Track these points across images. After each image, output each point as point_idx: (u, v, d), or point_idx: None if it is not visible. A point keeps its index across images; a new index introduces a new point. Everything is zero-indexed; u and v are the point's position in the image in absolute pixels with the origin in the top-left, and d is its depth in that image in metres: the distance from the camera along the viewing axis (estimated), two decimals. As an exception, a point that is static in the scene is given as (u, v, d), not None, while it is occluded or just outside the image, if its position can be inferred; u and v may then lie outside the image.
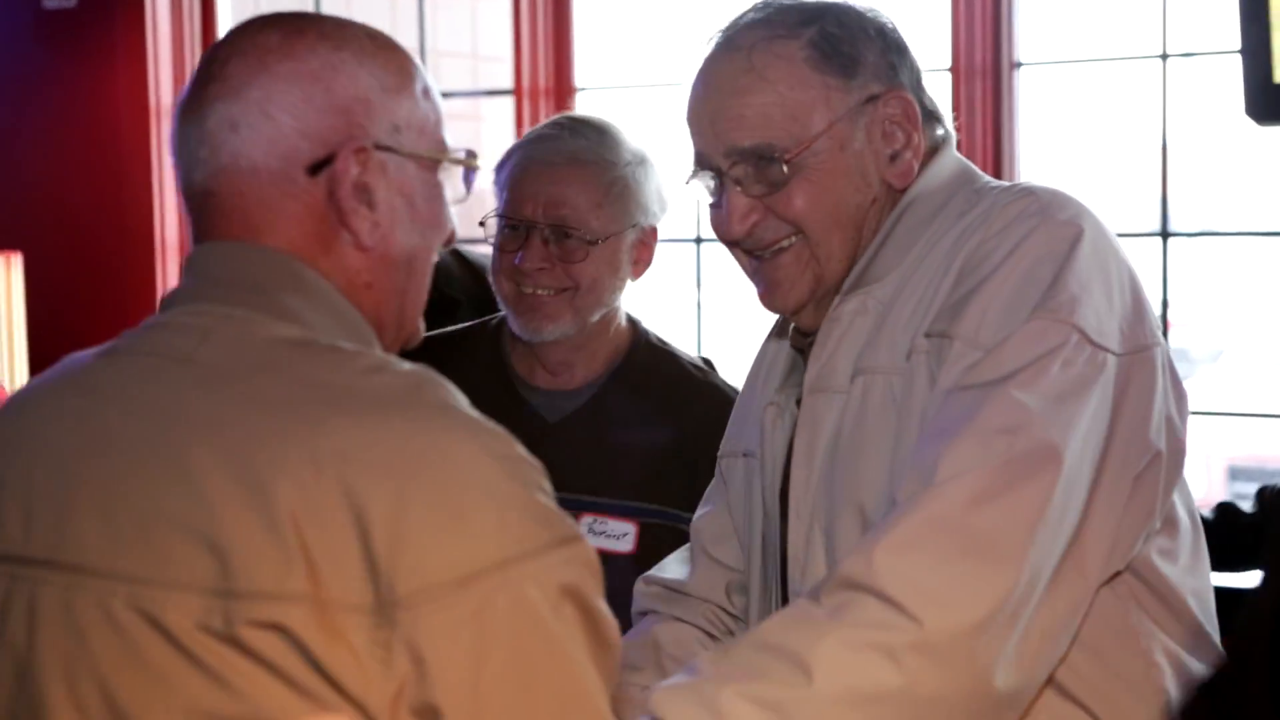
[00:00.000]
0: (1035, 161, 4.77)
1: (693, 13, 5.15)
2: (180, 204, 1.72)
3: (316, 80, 1.56)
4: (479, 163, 1.66)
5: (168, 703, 1.41)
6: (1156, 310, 4.82)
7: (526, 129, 5.32)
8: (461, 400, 1.49)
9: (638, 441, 2.62)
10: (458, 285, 3.51)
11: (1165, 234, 4.67)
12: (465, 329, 2.79)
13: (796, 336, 2.10)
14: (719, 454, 2.27)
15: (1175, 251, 4.65)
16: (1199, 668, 1.89)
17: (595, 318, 2.62)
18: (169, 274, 5.64)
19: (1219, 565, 2.13)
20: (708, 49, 2.02)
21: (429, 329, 2.77)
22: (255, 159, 1.56)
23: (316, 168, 1.56)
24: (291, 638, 1.37)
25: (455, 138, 2.76)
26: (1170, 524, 1.93)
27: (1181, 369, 2.00)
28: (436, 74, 5.98)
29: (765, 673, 1.68)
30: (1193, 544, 1.97)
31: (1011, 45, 4.60)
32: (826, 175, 1.96)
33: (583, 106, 5.40)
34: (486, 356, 2.73)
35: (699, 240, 5.18)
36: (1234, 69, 3.49)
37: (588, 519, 2.58)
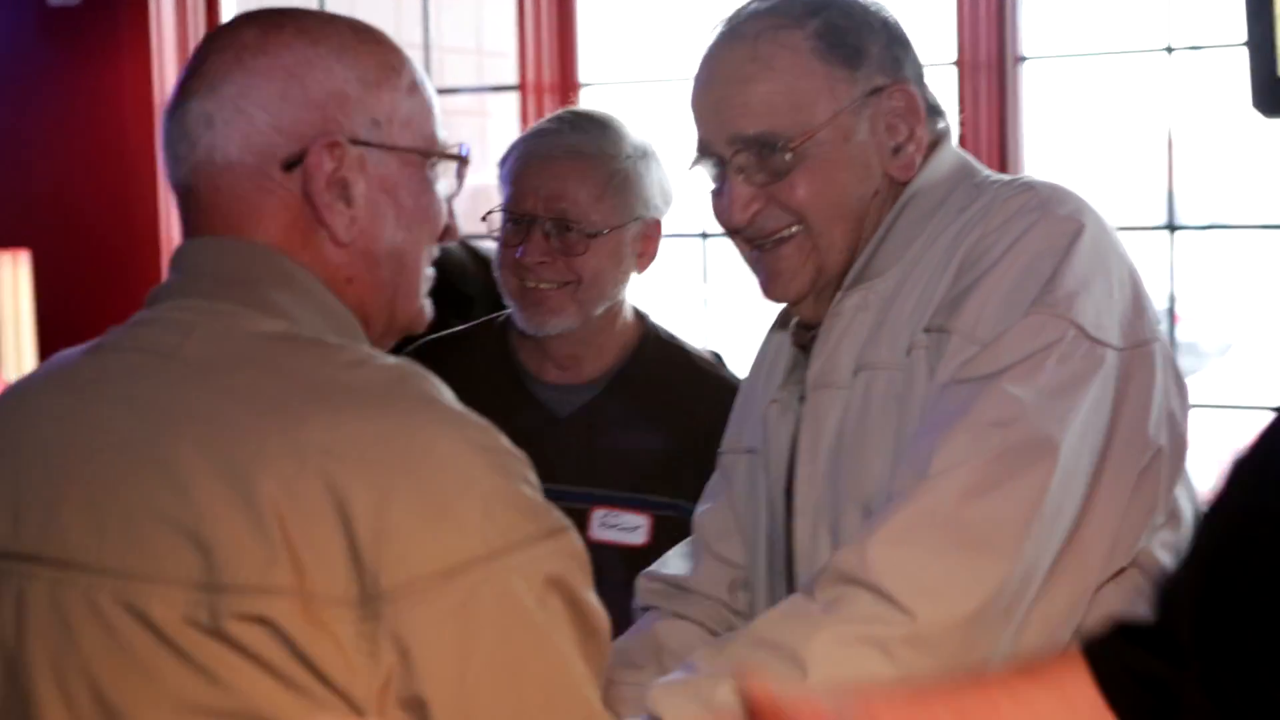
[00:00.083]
0: (1040, 156, 4.77)
1: (697, 7, 5.15)
2: (183, 201, 1.72)
3: (291, 75, 1.56)
4: (469, 157, 1.66)
5: (155, 696, 1.41)
6: (1163, 304, 4.83)
7: (531, 125, 5.33)
8: (445, 394, 1.49)
9: (648, 434, 2.62)
10: (472, 281, 3.52)
11: (1172, 227, 4.66)
12: (471, 328, 2.80)
13: (799, 332, 2.10)
14: (720, 450, 2.26)
15: (1182, 245, 4.65)
16: None
17: (599, 311, 2.62)
18: (175, 271, 5.65)
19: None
20: (712, 37, 2.03)
21: (442, 326, 2.80)
22: (230, 155, 1.57)
23: (291, 163, 1.56)
24: (277, 631, 1.38)
25: (459, 133, 2.76)
26: (1174, 518, 1.93)
27: (1190, 362, 2.01)
28: (441, 70, 5.93)
29: (761, 668, 1.68)
30: (1196, 538, 1.97)
31: (1016, 39, 4.60)
32: (829, 166, 1.97)
33: (587, 102, 5.40)
34: (494, 353, 2.73)
35: (705, 235, 5.18)
36: (1240, 62, 3.49)
37: (600, 513, 2.59)
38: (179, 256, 1.62)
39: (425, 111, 1.63)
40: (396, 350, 1.73)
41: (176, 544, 1.41)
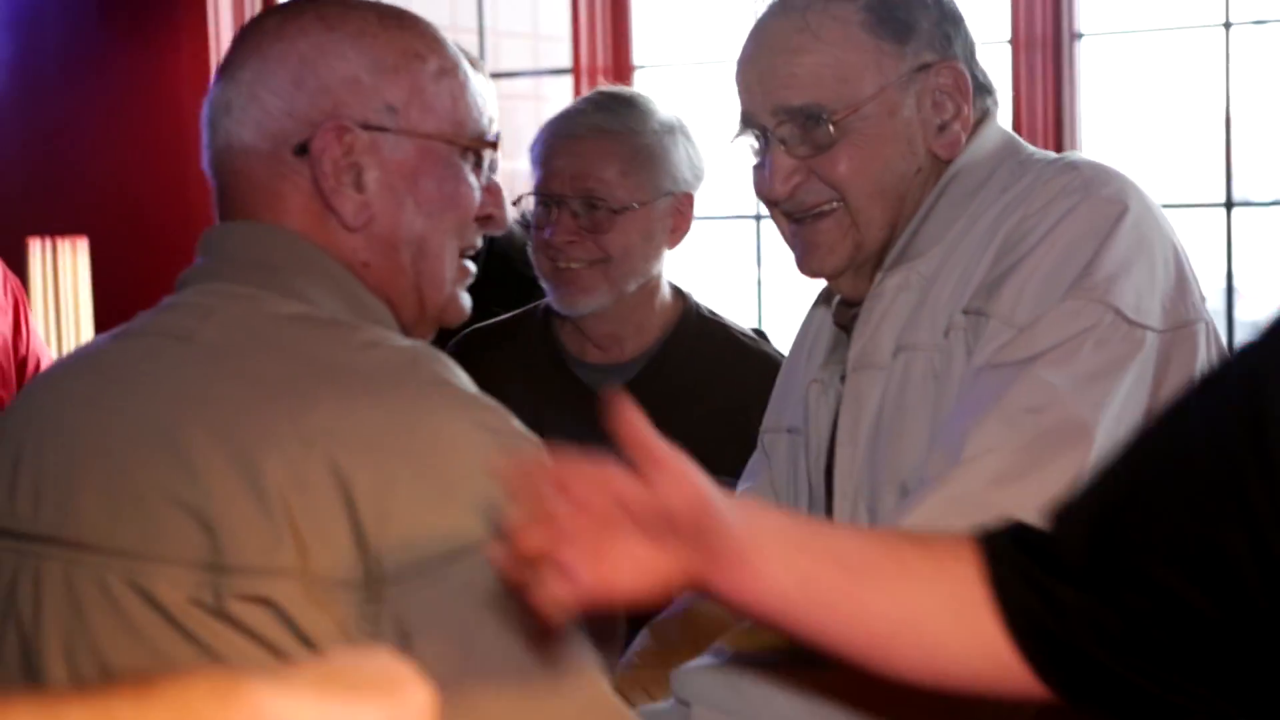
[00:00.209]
0: (1097, 133, 4.73)
1: (751, -11, 5.12)
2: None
3: (304, 61, 1.57)
4: (497, 144, 1.66)
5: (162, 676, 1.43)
6: (1221, 282, 4.78)
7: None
8: (459, 376, 1.49)
9: (692, 412, 2.62)
10: (530, 266, 3.52)
11: (1230, 204, 4.63)
12: (514, 316, 2.81)
13: (840, 311, 2.09)
14: (761, 429, 2.26)
15: (1241, 222, 4.61)
16: None
17: (631, 288, 2.62)
18: (233, 257, 5.68)
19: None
20: (762, 8, 2.02)
21: (508, 309, 2.80)
22: (246, 140, 1.59)
23: (302, 148, 1.57)
24: (279, 612, 1.38)
25: (514, 117, 2.77)
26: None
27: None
28: (497, 54, 5.93)
29: (790, 656, 1.68)
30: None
31: (1072, 16, 4.57)
32: (873, 141, 1.95)
33: (641, 85, 5.40)
34: (536, 339, 2.74)
35: (759, 217, 5.17)
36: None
37: None
38: (205, 241, 1.63)
39: (455, 98, 1.62)
40: (441, 341, 1.73)
41: (184, 526, 1.42)
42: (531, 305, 2.81)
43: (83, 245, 5.44)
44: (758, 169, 2.02)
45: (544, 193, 2.64)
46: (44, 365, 3.39)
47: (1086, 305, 1.79)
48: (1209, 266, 4.62)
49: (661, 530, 1.30)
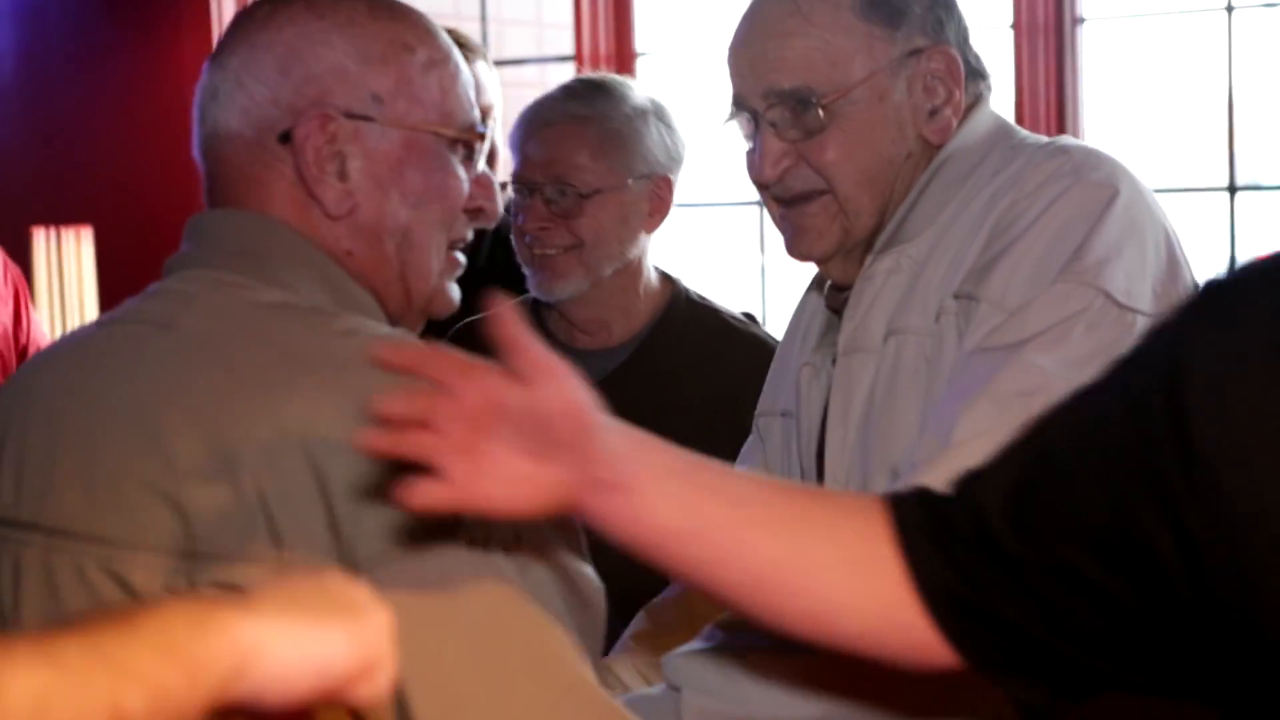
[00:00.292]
0: (1100, 118, 4.73)
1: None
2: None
3: (290, 49, 1.57)
4: (483, 136, 1.66)
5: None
6: (1224, 266, 4.77)
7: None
8: None
9: (682, 395, 2.63)
10: None
11: (1233, 188, 4.62)
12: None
13: (832, 295, 2.09)
14: (756, 412, 2.26)
15: (1244, 206, 4.60)
16: None
17: (608, 271, 2.63)
18: (237, 246, 5.69)
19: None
20: None
21: (520, 297, 2.81)
22: (232, 127, 1.59)
23: (286, 136, 1.57)
24: None
25: (519, 105, 2.77)
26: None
27: (1251, 323, 1.99)
28: (500, 42, 5.93)
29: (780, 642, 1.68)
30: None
31: (1074, 0, 4.56)
32: (863, 126, 1.95)
33: (644, 72, 5.40)
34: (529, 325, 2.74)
35: (762, 203, 5.17)
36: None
37: None
38: (191, 227, 1.64)
39: (445, 90, 1.62)
40: (434, 334, 1.72)
41: (160, 513, 1.42)
42: (522, 296, 2.82)
43: (87, 235, 5.45)
44: (750, 153, 2.03)
45: (518, 180, 2.66)
46: (45, 354, 3.40)
47: (1077, 289, 1.79)
48: (1213, 251, 4.61)
49: (538, 438, 1.28)
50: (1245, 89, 4.61)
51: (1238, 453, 1.15)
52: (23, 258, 5.31)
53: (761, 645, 1.69)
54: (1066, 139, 2.00)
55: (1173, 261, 1.88)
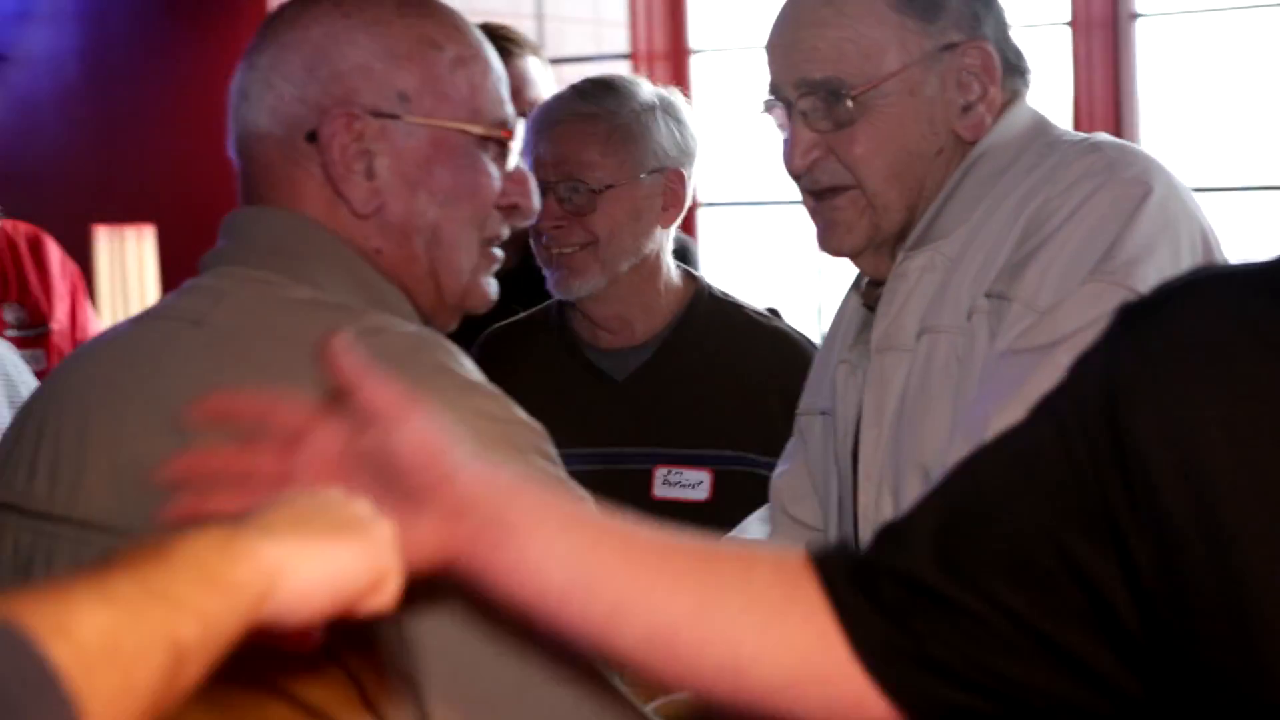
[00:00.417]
0: (1157, 115, 4.69)
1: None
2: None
3: (317, 48, 1.58)
4: (512, 133, 1.66)
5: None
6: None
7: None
8: (463, 363, 1.49)
9: (706, 390, 2.64)
10: None
11: (1292, 186, 4.58)
12: (531, 314, 2.83)
13: (869, 292, 2.08)
14: (797, 411, 2.25)
15: (1303, 203, 4.55)
16: None
17: (624, 268, 2.63)
18: (296, 244, 5.72)
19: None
20: None
21: (531, 303, 2.82)
22: (261, 126, 1.60)
23: (314, 135, 1.58)
24: None
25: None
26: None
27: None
28: (559, 40, 5.93)
29: None
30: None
31: (1130, -5, 4.53)
32: (893, 120, 1.95)
33: (698, 69, 5.40)
34: (553, 332, 2.76)
35: (819, 201, 5.15)
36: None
37: (662, 471, 2.61)
38: (226, 224, 1.65)
39: (474, 87, 1.62)
40: (464, 336, 1.73)
41: None
42: (548, 301, 2.83)
43: (149, 233, 5.50)
44: (786, 142, 2.02)
45: None
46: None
47: (1108, 289, 1.78)
48: (1271, 250, 4.56)
49: (394, 489, 1.15)
50: (1305, 85, 4.56)
51: (1182, 476, 1.12)
52: (85, 256, 5.36)
53: None
54: (1100, 136, 1.99)
55: (1209, 260, 1.87)
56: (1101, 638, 1.16)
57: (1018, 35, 2.05)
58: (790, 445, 2.27)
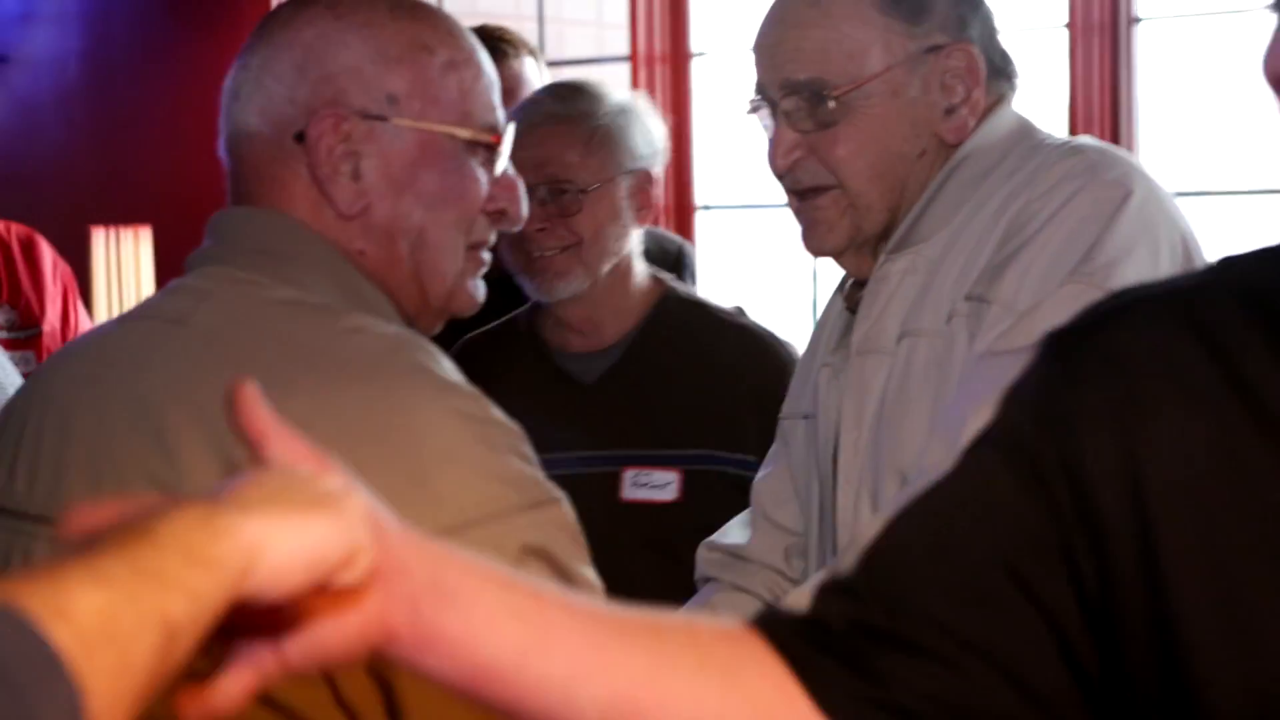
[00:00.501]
0: (1155, 119, 4.68)
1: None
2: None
3: (308, 49, 1.59)
4: (500, 138, 1.65)
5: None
6: None
7: (643, 95, 5.34)
8: (441, 364, 1.49)
9: (673, 390, 2.66)
10: None
11: (1292, 191, 4.57)
12: (502, 322, 2.84)
13: (852, 294, 2.08)
14: (780, 415, 2.26)
15: (1303, 209, 4.55)
16: None
17: (606, 268, 2.65)
18: (295, 246, 5.73)
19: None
20: None
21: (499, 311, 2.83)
22: (251, 125, 1.60)
23: (301, 135, 1.58)
24: None
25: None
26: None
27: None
28: (561, 43, 5.93)
29: None
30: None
31: (1130, 0, 4.52)
32: (875, 121, 1.95)
33: (700, 72, 5.39)
34: (522, 340, 2.78)
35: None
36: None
37: (630, 472, 2.63)
38: (212, 224, 1.66)
39: (465, 91, 1.62)
40: (444, 343, 1.73)
41: None
42: (517, 310, 2.84)
43: (145, 234, 5.50)
44: (771, 142, 2.03)
45: None
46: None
47: (1086, 290, 1.78)
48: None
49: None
50: (1304, 90, 4.54)
51: (1125, 497, 1.11)
52: (82, 257, 5.37)
53: None
54: (1083, 139, 1.99)
55: (1189, 265, 1.87)
56: (1063, 665, 1.14)
57: (1006, 39, 2.05)
58: (773, 449, 2.27)
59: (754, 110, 2.03)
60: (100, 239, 5.51)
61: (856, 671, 1.15)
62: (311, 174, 1.58)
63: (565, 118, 2.64)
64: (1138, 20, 4.54)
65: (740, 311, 2.81)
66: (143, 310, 1.65)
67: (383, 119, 1.58)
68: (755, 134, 2.69)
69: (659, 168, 2.72)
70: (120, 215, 5.66)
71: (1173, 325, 1.15)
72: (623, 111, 2.68)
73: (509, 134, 1.68)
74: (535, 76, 3.38)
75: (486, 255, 1.69)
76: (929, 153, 1.97)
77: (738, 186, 5.41)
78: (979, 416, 1.68)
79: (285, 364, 1.46)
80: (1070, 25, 4.57)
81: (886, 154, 1.96)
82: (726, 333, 2.71)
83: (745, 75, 2.05)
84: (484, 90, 1.64)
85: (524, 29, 5.50)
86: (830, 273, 2.15)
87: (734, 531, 2.28)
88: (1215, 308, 1.14)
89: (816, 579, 1.23)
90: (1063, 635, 1.13)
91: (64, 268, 3.58)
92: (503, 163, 1.67)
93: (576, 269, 2.63)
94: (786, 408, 2.24)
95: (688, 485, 2.61)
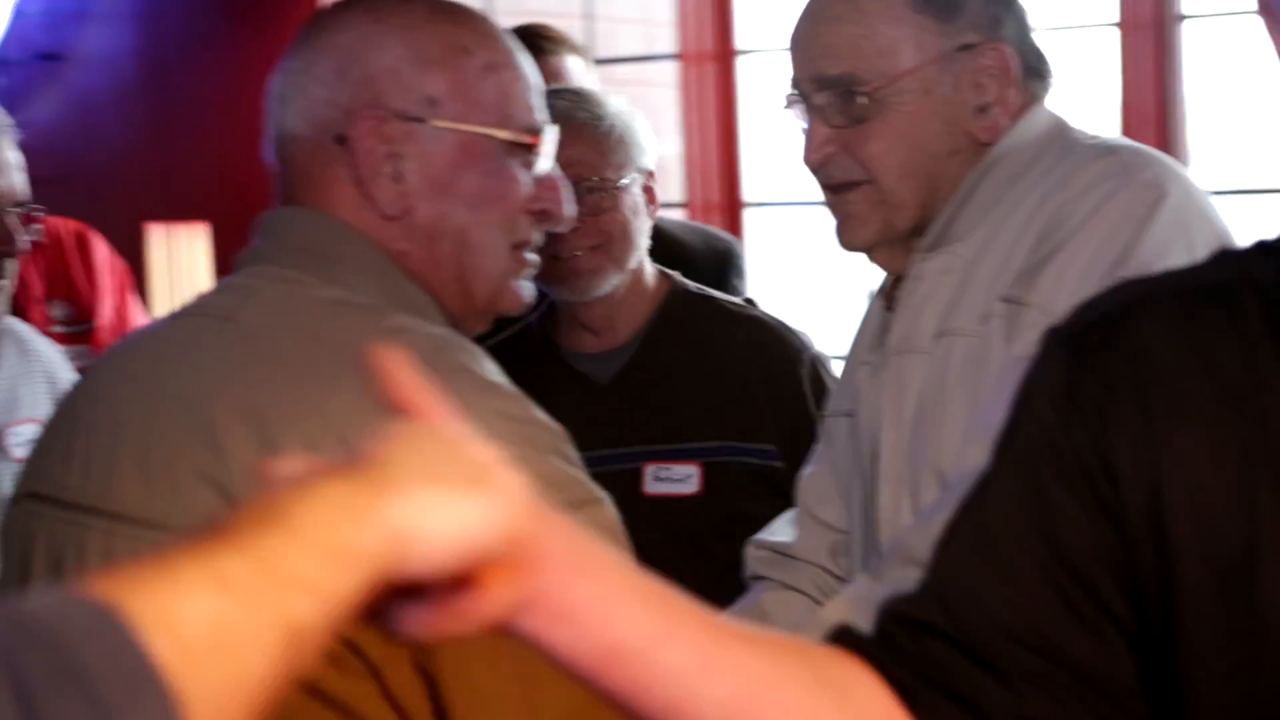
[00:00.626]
0: (1203, 117, 4.66)
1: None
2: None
3: (349, 52, 1.62)
4: (540, 139, 1.68)
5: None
6: None
7: (690, 94, 5.37)
8: (484, 365, 1.52)
9: (689, 384, 2.69)
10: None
11: (1341, 188, 4.54)
12: (516, 330, 2.86)
13: (891, 292, 2.10)
14: (825, 413, 2.27)
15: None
16: None
17: (634, 264, 2.70)
18: (347, 242, 5.76)
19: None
20: None
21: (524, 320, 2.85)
22: (294, 128, 1.64)
23: (342, 137, 1.61)
24: None
25: (624, 105, 2.82)
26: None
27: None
28: (609, 40, 5.94)
29: None
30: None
31: (1177, -3, 4.50)
32: (906, 118, 1.96)
33: (745, 70, 5.40)
34: (536, 344, 2.80)
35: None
36: None
37: (651, 468, 2.65)
38: (260, 224, 1.69)
39: (504, 92, 1.66)
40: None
41: (208, 498, 1.48)
42: (526, 319, 2.85)
43: (202, 231, 5.54)
44: (805, 137, 2.05)
45: None
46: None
47: None
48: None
49: None
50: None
51: (1148, 493, 1.14)
52: (139, 254, 5.42)
53: None
54: (1118, 139, 2.00)
55: None
56: (1132, 661, 1.16)
57: (1055, 37, 2.06)
58: (817, 447, 2.28)
59: (789, 105, 2.05)
60: (157, 236, 5.56)
61: (959, 705, 1.14)
62: (353, 175, 1.62)
63: (585, 119, 2.68)
64: (1183, 18, 4.52)
65: (750, 303, 2.84)
66: (193, 307, 1.69)
67: (421, 120, 1.62)
68: (801, 131, 2.73)
69: (653, 167, 2.78)
70: (177, 212, 5.71)
71: (1190, 326, 1.16)
72: (622, 112, 2.74)
73: (550, 134, 1.71)
74: (579, 73, 3.40)
75: (533, 256, 1.72)
76: (961, 151, 1.99)
77: (787, 183, 5.41)
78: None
79: (330, 363, 1.49)
80: (1120, 23, 4.55)
81: (918, 151, 1.97)
82: (737, 324, 2.74)
83: (791, 73, 2.09)
84: (523, 91, 1.67)
85: (571, 26, 5.52)
86: (878, 271, 2.18)
87: (780, 528, 2.30)
88: (1230, 304, 1.15)
89: (870, 593, 1.23)
90: (1126, 631, 1.15)
91: (119, 263, 3.63)
92: (544, 162, 1.70)
93: (608, 266, 2.66)
94: (830, 406, 2.26)
95: (708, 477, 2.64)
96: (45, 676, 0.74)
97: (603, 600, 1.03)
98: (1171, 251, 1.82)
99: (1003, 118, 1.98)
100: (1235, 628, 1.10)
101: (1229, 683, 1.10)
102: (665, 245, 3.35)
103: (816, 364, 2.71)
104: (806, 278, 5.68)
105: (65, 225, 3.56)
